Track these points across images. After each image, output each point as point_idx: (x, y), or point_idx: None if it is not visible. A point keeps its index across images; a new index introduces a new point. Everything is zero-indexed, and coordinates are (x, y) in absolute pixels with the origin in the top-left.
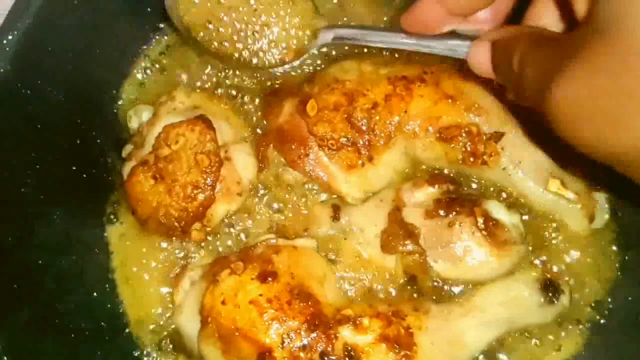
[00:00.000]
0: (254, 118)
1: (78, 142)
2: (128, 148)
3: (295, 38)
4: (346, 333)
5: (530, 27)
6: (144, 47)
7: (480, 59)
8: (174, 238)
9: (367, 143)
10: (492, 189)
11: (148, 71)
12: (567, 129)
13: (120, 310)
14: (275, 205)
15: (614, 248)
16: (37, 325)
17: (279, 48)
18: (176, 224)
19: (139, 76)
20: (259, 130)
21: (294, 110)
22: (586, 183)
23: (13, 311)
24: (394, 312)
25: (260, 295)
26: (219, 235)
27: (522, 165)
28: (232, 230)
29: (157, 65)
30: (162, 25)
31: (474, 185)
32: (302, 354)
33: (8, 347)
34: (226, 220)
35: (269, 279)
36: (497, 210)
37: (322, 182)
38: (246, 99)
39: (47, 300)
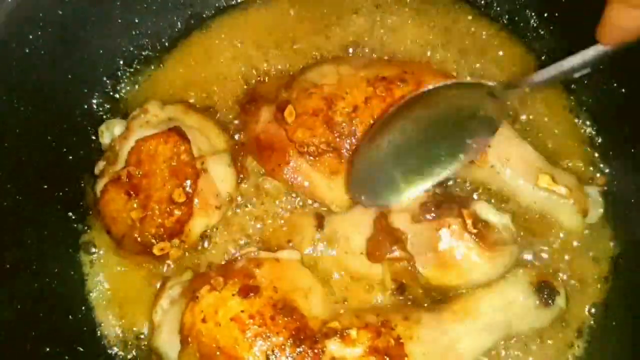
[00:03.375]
0: (232, 128)
1: (49, 159)
2: (100, 165)
3: None
4: (333, 347)
5: None
6: (117, 59)
7: None
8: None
9: (349, 147)
10: (479, 189)
11: (121, 84)
12: None
13: (98, 333)
14: (257, 217)
15: (611, 244)
16: (12, 350)
17: None
18: (153, 241)
19: (111, 90)
20: (237, 139)
21: (272, 118)
22: (577, 177)
23: None
24: (383, 323)
25: (242, 311)
26: (198, 250)
27: (510, 163)
28: (211, 244)
29: (130, 78)
30: (137, 37)
31: (464, 186)
32: None
33: None
34: (206, 234)
35: (251, 294)
36: (486, 211)
37: (304, 190)
38: (223, 108)
39: (20, 325)
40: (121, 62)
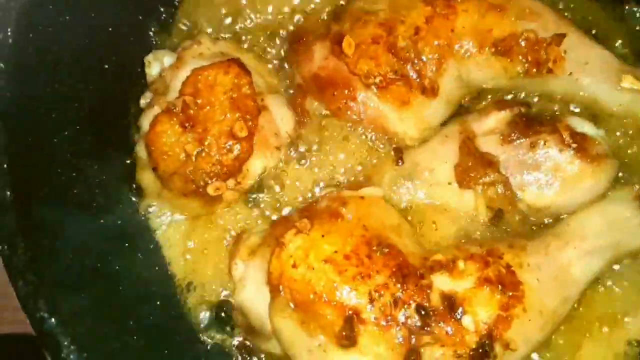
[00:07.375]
0: (283, 72)
1: (105, 91)
2: (147, 96)
3: None
4: (440, 281)
5: None
6: None
7: None
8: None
9: (417, 73)
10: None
11: (170, 17)
12: None
13: (168, 273)
14: (326, 159)
15: None
16: (78, 285)
17: None
18: (207, 180)
19: (166, 19)
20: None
21: (327, 53)
22: None
23: (53, 270)
24: (488, 252)
25: (336, 252)
26: (266, 197)
27: (589, 67)
28: (284, 189)
29: (179, 11)
30: None
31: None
32: (395, 312)
33: (53, 307)
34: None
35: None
36: (582, 124)
37: (375, 126)
38: (273, 51)
39: (91, 262)
40: None
